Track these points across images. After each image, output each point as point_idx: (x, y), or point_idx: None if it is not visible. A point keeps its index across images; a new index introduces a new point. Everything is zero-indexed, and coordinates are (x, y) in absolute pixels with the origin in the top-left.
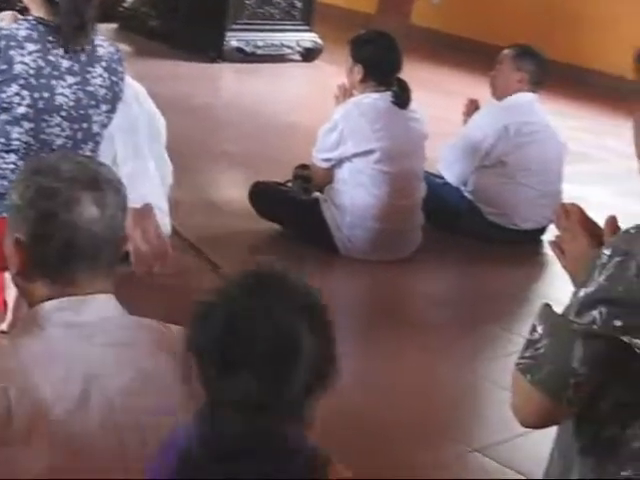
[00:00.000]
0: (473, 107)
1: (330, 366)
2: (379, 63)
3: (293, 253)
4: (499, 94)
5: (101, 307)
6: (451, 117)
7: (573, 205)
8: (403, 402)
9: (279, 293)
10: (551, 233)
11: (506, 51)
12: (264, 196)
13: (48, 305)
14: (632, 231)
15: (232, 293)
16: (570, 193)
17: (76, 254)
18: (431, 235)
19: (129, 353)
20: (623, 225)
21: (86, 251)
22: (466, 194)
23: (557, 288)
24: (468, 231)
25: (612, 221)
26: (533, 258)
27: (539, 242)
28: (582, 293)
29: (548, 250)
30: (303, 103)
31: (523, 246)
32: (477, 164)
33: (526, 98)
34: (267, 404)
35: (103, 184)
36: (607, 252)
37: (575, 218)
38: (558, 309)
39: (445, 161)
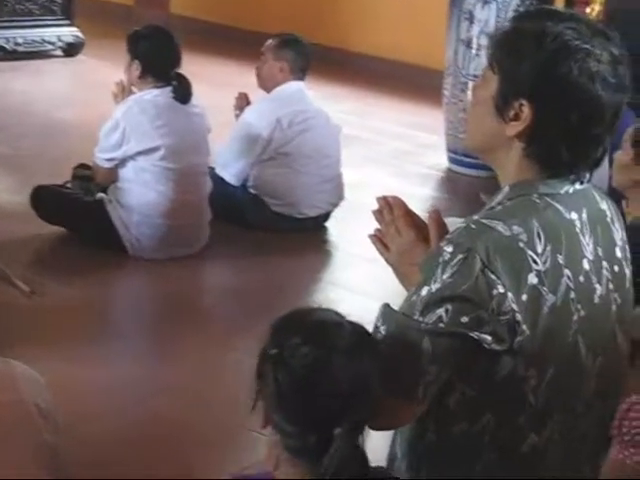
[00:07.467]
0: (244, 101)
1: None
2: (156, 58)
3: (81, 256)
4: (265, 85)
5: None
6: (228, 108)
7: (395, 198)
8: (197, 401)
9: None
10: (334, 218)
11: (268, 42)
12: (46, 200)
13: None
14: (473, 226)
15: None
16: (349, 177)
17: None
18: (219, 230)
19: None
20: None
21: None
22: (249, 189)
23: (344, 274)
24: (255, 223)
25: (436, 215)
26: (319, 245)
27: (324, 229)
28: (425, 292)
29: (333, 237)
30: (70, 99)
31: (308, 234)
32: (254, 160)
33: (294, 87)
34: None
35: None
36: (449, 249)
37: (398, 212)
38: (345, 294)
39: (221, 162)
